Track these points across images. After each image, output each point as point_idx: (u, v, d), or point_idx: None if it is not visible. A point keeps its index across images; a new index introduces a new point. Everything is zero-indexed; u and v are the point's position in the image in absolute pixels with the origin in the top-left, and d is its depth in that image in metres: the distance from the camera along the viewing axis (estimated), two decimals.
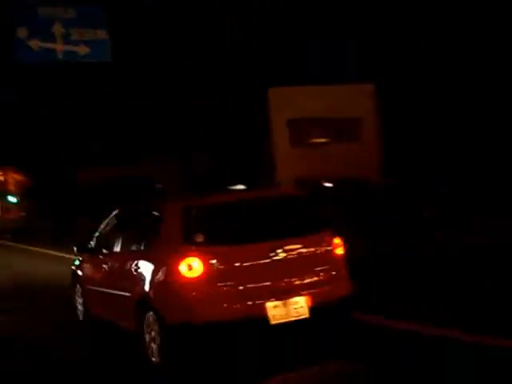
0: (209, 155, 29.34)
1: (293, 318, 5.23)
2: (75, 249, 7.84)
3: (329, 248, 5.65)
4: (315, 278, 5.48)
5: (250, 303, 5.18)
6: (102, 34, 14.48)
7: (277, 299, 5.22)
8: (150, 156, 30.35)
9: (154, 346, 5.52)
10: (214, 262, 5.23)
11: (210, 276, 5.19)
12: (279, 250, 5.35)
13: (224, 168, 28.27)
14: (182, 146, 29.86)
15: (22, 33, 13.32)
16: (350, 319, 5.71)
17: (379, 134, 27.30)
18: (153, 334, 5.52)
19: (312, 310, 5.30)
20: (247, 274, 5.28)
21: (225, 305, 5.16)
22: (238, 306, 5.16)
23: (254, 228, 5.53)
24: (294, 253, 5.46)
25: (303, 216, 5.86)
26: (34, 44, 13.29)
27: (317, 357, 5.40)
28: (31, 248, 21.35)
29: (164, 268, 5.43)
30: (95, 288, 7.15)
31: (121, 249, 6.66)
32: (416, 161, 23.98)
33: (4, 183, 46.53)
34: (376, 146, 27.35)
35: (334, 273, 5.60)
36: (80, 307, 7.80)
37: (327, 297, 5.44)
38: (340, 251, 5.72)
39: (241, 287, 5.22)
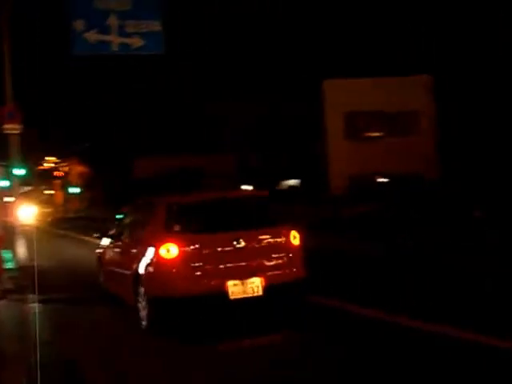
0: (263, 151, 31.08)
1: (249, 295, 6.85)
2: (95, 235, 9.78)
3: (286, 239, 7.23)
4: (271, 263, 7.09)
5: (214, 281, 6.85)
6: (155, 26, 14.64)
7: (236, 279, 6.86)
8: (205, 151, 32.65)
9: (143, 314, 7.30)
10: (187, 247, 6.93)
11: (183, 258, 6.90)
12: (241, 239, 6.98)
13: (278, 163, 29.89)
14: (236, 142, 31.88)
15: (78, 26, 13.84)
16: (302, 299, 7.26)
17: (436, 127, 27.88)
18: (143, 304, 7.30)
19: (266, 289, 6.90)
20: (213, 258, 6.95)
21: (194, 282, 6.85)
22: (204, 283, 6.85)
23: (221, 221, 7.22)
24: (254, 241, 7.09)
25: (265, 212, 7.49)
26: (90, 36, 13.84)
27: (270, 328, 7.00)
28: (86, 238, 23.58)
29: (150, 251, 7.19)
30: (110, 269, 9.05)
31: (128, 235, 8.51)
32: (471, 157, 24.55)
33: (67, 174, 50.54)
34: (433, 139, 27.97)
35: (289, 259, 7.17)
36: (102, 286, 9.74)
37: (281, 279, 7.04)
38: (296, 242, 7.28)
39: (207, 268, 6.90)
